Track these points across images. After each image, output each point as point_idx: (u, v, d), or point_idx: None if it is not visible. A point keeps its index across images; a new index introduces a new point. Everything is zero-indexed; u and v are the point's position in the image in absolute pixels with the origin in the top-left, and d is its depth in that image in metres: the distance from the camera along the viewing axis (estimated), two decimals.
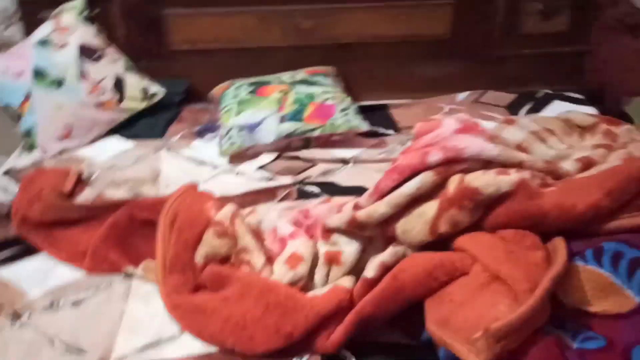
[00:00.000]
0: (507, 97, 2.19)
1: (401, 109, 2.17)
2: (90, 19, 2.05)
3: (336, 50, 2.17)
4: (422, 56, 2.21)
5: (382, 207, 1.13)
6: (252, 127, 1.84)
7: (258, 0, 2.10)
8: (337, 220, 1.21)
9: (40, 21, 2.03)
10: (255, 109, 1.88)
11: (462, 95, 2.22)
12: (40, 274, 1.34)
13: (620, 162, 1.13)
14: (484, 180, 1.05)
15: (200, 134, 1.99)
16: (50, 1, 2.03)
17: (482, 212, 1.08)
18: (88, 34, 2.00)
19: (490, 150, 1.09)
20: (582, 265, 0.97)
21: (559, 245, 0.99)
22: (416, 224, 1.11)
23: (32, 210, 1.46)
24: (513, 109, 2.12)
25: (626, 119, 2.33)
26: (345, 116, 1.88)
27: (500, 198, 1.05)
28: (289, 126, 1.84)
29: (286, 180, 1.71)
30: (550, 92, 2.20)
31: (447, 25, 2.14)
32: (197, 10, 2.13)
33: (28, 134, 1.90)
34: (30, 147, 1.90)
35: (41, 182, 1.56)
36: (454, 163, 1.09)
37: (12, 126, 1.96)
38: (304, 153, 1.84)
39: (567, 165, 1.28)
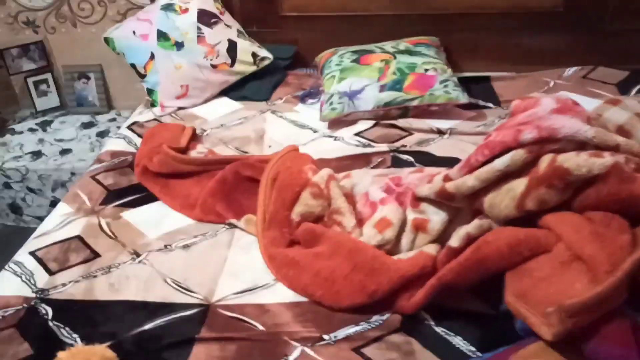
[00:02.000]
0: (619, 75, 2.08)
1: (504, 82, 2.14)
2: None
3: (440, 20, 2.17)
4: (530, 28, 2.15)
5: (471, 181, 1.15)
6: (352, 95, 1.89)
7: None
8: (426, 189, 1.25)
9: None
10: (356, 77, 1.92)
11: (570, 70, 2.14)
12: (156, 219, 1.49)
13: None
14: (577, 162, 1.04)
15: (303, 98, 2.07)
16: None
17: (572, 192, 1.08)
18: (207, 1, 2.12)
19: (586, 131, 1.07)
20: None
21: None
22: (504, 199, 1.12)
23: (152, 162, 1.62)
24: (624, 87, 2.02)
25: None
26: (445, 87, 1.88)
27: (591, 180, 1.04)
28: (389, 95, 1.87)
29: (382, 147, 1.75)
30: None
31: None
32: None
33: (150, 91, 2.07)
34: (152, 104, 2.06)
35: (160, 136, 1.72)
36: (548, 142, 1.09)
37: (137, 83, 2.14)
38: (401, 122, 1.87)
39: None
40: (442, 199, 1.22)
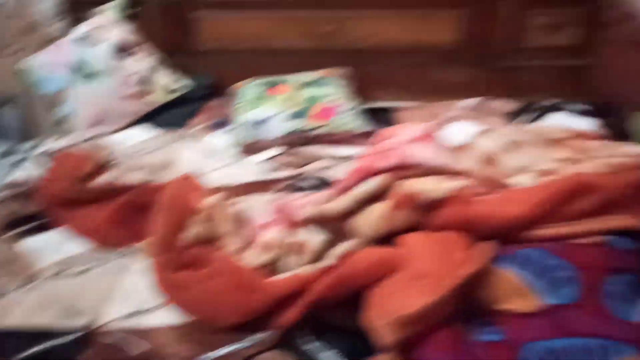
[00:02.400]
0: (510, 106, 2.24)
1: (408, 112, 2.26)
2: (129, 17, 2.24)
3: (353, 54, 2.28)
4: (433, 62, 2.29)
5: (342, 204, 1.25)
6: (260, 123, 1.98)
7: (281, 4, 2.23)
8: (307, 212, 1.34)
9: (85, 18, 2.23)
10: (265, 106, 2.02)
11: (467, 102, 2.28)
12: (56, 245, 1.53)
13: (568, 176, 1.20)
14: (425, 186, 1.15)
15: (216, 126, 2.15)
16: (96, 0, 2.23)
17: (425, 213, 1.18)
18: (125, 31, 2.19)
19: (436, 159, 1.18)
20: (501, 268, 1.06)
21: (484, 249, 1.08)
22: (367, 221, 1.22)
23: (56, 188, 1.66)
24: (514, 117, 2.17)
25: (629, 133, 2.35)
26: (348, 117, 1.99)
27: (440, 202, 1.15)
28: (294, 124, 1.97)
29: (285, 173, 1.84)
30: (554, 102, 2.23)
31: (456, 34, 2.21)
32: (225, 12, 2.29)
33: (64, 120, 2.11)
34: (66, 132, 2.11)
35: (66, 164, 1.76)
36: (404, 169, 1.20)
37: (51, 113, 2.18)
38: (307, 149, 1.96)
39: (526, 177, 1.36)
40: (320, 221, 1.31)
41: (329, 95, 2.05)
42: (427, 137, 1.26)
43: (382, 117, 2.21)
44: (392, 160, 1.19)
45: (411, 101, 2.31)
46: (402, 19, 2.21)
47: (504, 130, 1.63)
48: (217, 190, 1.54)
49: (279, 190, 1.75)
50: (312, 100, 2.03)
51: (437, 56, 2.27)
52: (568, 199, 1.11)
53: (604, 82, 2.46)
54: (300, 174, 1.85)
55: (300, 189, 1.74)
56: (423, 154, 1.19)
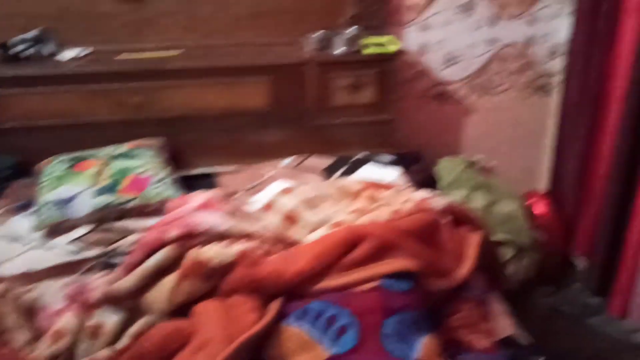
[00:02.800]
0: (326, 161, 2.36)
1: (228, 176, 2.29)
2: None
3: (166, 123, 2.28)
4: (247, 126, 2.35)
5: (129, 281, 1.22)
6: (66, 202, 1.89)
7: (87, 78, 2.18)
8: (97, 294, 1.28)
9: None
10: (70, 183, 1.94)
11: (286, 161, 2.37)
12: None
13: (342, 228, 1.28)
14: (212, 253, 1.16)
15: (20, 209, 2.01)
16: None
17: (217, 280, 1.19)
18: None
19: (221, 225, 1.20)
20: (287, 324, 1.09)
21: (271, 308, 1.11)
22: (159, 295, 1.20)
23: None
24: (329, 172, 2.29)
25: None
26: (159, 188, 1.96)
27: (227, 267, 1.16)
28: (103, 199, 1.91)
29: (93, 252, 1.76)
30: (364, 155, 2.39)
31: (268, 98, 2.30)
32: (27, 89, 2.18)
33: None
34: None
35: None
36: (191, 238, 1.20)
37: None
38: (119, 224, 1.90)
39: (322, 231, 1.43)
40: (111, 302, 1.26)
41: (140, 167, 2.01)
42: (212, 204, 1.28)
43: (202, 184, 2.22)
44: (178, 230, 1.19)
45: (231, 165, 2.34)
46: (215, 87, 2.26)
47: (306, 188, 1.71)
48: (34, 275, 1.43)
49: (88, 271, 1.66)
50: (122, 173, 1.98)
51: (252, 120, 2.34)
52: (343, 250, 1.17)
53: (406, 134, 2.69)
54: (112, 251, 1.78)
55: (113, 267, 1.67)
56: (209, 220, 1.21)
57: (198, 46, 2.36)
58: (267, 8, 2.37)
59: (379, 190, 1.70)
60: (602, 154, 2.41)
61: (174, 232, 1.19)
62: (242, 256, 1.15)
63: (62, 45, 2.28)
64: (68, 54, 2.24)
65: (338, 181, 1.79)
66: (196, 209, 1.25)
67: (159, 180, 1.99)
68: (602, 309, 2.42)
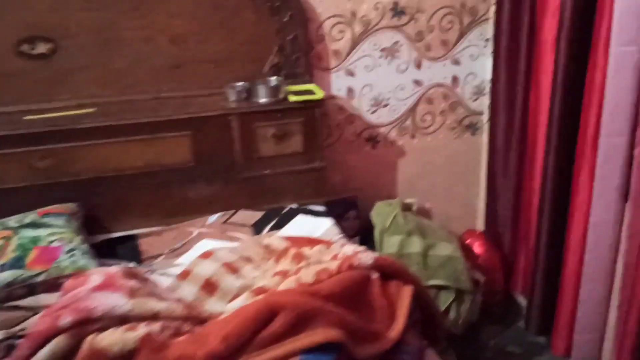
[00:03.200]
0: (255, 216, 2.27)
1: (151, 238, 2.17)
2: None
3: (81, 185, 2.14)
4: (171, 183, 2.24)
5: None
6: None
7: None
8: None
9: None
10: None
11: (213, 217, 2.26)
12: None
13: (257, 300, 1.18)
14: (110, 340, 1.05)
15: None
16: None
17: None
18: None
19: (122, 306, 1.09)
20: None
21: None
22: None
23: None
24: (259, 226, 2.20)
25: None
26: (72, 257, 1.82)
27: (128, 355, 1.04)
28: (9, 275, 1.75)
29: None
30: (295, 206, 2.31)
31: (190, 152, 2.20)
32: None
33: None
34: None
35: None
36: (87, 323, 1.08)
37: None
38: (27, 301, 1.74)
39: (242, 298, 1.33)
40: None
41: (50, 236, 1.87)
42: (112, 283, 1.16)
43: (124, 248, 2.09)
44: (72, 315, 1.07)
45: (155, 226, 2.22)
46: (134, 144, 2.14)
47: (226, 250, 1.61)
48: None
49: None
50: (30, 243, 1.83)
51: (177, 176, 2.23)
52: (258, 325, 1.08)
53: (341, 180, 2.64)
54: (19, 331, 1.61)
55: None
56: (108, 302, 1.09)
57: (115, 102, 2.26)
58: (187, 59, 2.30)
59: (306, 247, 1.62)
60: (533, 190, 2.41)
61: (68, 319, 1.07)
62: (146, 340, 1.03)
63: None
64: None
65: (264, 239, 1.70)
66: (94, 290, 1.13)
67: (71, 250, 1.85)
68: (547, 348, 2.39)
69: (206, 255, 1.53)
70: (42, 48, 2.15)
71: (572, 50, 1.99)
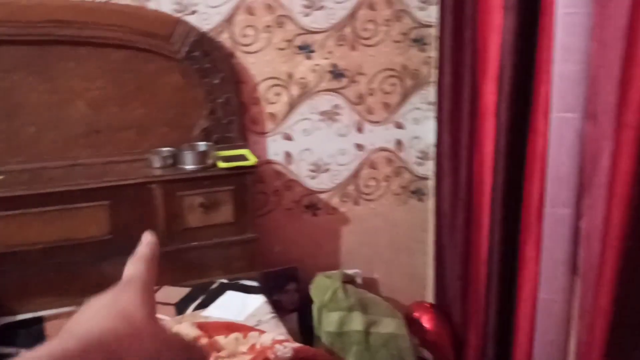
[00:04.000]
0: (180, 292, 2.08)
1: (60, 320, 1.94)
2: None
3: None
4: (86, 258, 2.04)
5: None
6: None
7: None
8: None
9: None
10: None
11: None
12: None
13: None
14: None
15: None
16: None
17: None
18: None
19: None
20: None
21: None
22: None
23: None
24: (182, 305, 2.01)
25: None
26: None
27: None
28: None
29: None
30: (225, 281, 2.14)
31: (105, 226, 2.02)
32: None
33: None
34: None
35: None
36: None
37: None
38: None
39: None
40: None
41: None
42: None
43: (28, 332, 1.87)
44: None
45: (65, 306, 2.00)
46: (40, 216, 1.95)
47: None
48: None
49: None
50: None
51: (91, 251, 2.03)
52: None
53: (280, 250, 2.48)
54: None
55: None
56: None
57: (26, 169, 2.07)
58: (106, 124, 2.14)
59: (221, 335, 1.44)
60: (480, 261, 2.29)
61: None
62: None
63: None
64: None
65: (173, 325, 1.51)
66: None
67: None
68: None
69: None
70: None
71: (512, 115, 1.92)
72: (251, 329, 1.55)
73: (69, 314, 1.74)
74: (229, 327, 1.52)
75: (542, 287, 1.90)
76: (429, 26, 2.46)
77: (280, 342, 1.39)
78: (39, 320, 1.94)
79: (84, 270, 2.05)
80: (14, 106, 2.03)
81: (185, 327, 1.50)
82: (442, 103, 2.36)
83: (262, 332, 1.50)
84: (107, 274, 2.07)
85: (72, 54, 2.05)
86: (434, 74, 2.48)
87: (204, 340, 1.40)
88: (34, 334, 1.88)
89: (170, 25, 2.10)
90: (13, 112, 2.03)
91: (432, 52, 2.46)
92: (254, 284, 2.14)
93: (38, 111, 2.06)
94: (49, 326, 1.91)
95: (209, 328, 1.49)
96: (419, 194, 2.68)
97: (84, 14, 2.01)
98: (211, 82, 2.20)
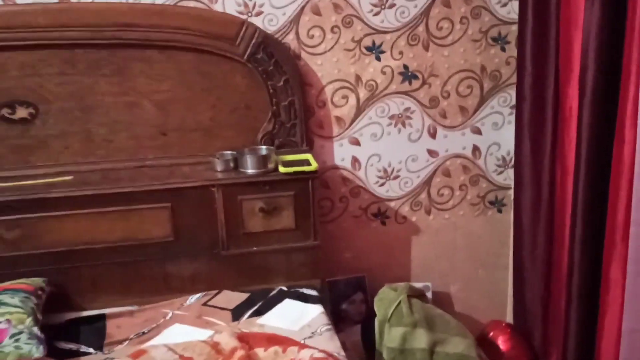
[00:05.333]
0: (238, 298, 2.09)
1: (121, 319, 2.01)
2: None
3: (50, 259, 2.03)
4: (148, 258, 2.09)
5: None
6: None
7: None
8: None
9: None
10: None
11: (192, 298, 2.10)
12: None
13: None
14: None
15: None
16: None
17: None
18: None
19: None
20: None
21: None
22: None
23: None
24: (239, 311, 2.02)
25: None
26: (16, 342, 1.68)
27: None
28: None
29: None
30: (285, 289, 2.12)
31: (167, 227, 2.06)
32: None
33: None
34: None
35: None
36: None
37: None
38: None
39: None
40: None
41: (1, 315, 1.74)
42: None
43: (90, 329, 1.95)
44: None
45: (131, 304, 2.07)
46: (108, 216, 2.03)
47: (163, 349, 1.42)
48: None
49: None
50: None
51: (154, 251, 2.08)
52: None
53: (346, 259, 2.43)
54: None
55: None
56: None
57: (95, 170, 2.16)
58: (174, 126, 2.19)
59: (261, 348, 1.41)
60: (561, 279, 2.11)
61: None
62: None
63: None
64: None
65: (215, 334, 1.50)
66: None
67: (18, 334, 1.71)
68: None
69: (137, 354, 1.34)
70: (22, 112, 2.10)
71: (595, 121, 1.74)
72: (293, 342, 1.51)
73: (130, 313, 1.80)
74: (270, 340, 1.49)
75: (627, 315, 1.70)
76: (511, 23, 2.31)
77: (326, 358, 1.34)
78: (101, 318, 2.02)
79: (147, 271, 2.11)
80: (87, 108, 2.12)
81: (224, 337, 1.48)
82: (522, 107, 2.20)
83: (303, 346, 1.45)
84: (171, 275, 2.12)
85: (140, 57, 2.12)
86: (516, 75, 2.32)
87: (242, 352, 1.38)
88: (95, 331, 1.95)
89: (235, 27, 2.12)
90: (86, 114, 2.13)
91: (514, 52, 2.31)
92: (314, 293, 2.10)
93: (109, 113, 2.14)
94: (110, 324, 1.98)
95: (249, 339, 1.46)
96: (498, 204, 2.53)
97: (151, 17, 2.07)
98: (275, 85, 2.19)
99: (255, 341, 1.46)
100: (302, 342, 1.65)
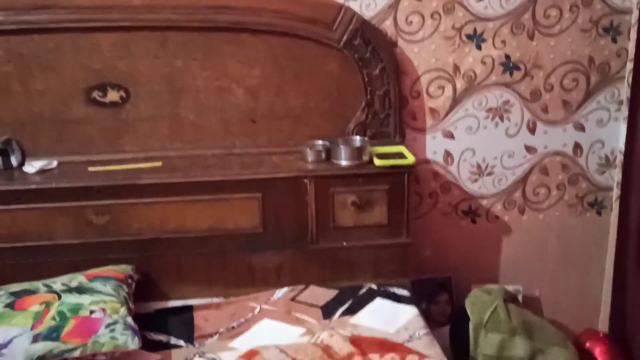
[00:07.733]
0: (327, 295, 2.05)
1: (208, 311, 2.00)
2: None
3: (137, 246, 2.03)
4: (235, 249, 2.07)
5: None
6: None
7: (47, 195, 1.96)
8: None
9: None
10: (6, 325, 1.67)
11: (280, 292, 2.07)
12: None
13: None
14: None
15: None
16: None
17: None
18: None
19: None
20: None
21: None
22: None
23: None
24: (330, 308, 1.98)
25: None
26: (112, 332, 1.68)
27: None
28: (43, 347, 1.63)
29: None
30: (374, 287, 2.07)
31: (257, 218, 2.03)
32: None
33: None
34: None
35: None
36: None
37: None
38: None
39: None
40: None
41: (94, 304, 1.74)
42: None
43: (177, 320, 1.94)
44: None
45: (213, 297, 2.05)
46: (196, 204, 2.01)
47: (275, 351, 1.39)
48: None
49: None
50: (71, 311, 1.71)
51: (241, 242, 2.06)
52: None
53: (431, 257, 2.37)
54: None
55: None
56: None
57: (184, 156, 2.15)
58: (263, 112, 2.16)
59: (376, 354, 1.37)
60: None
61: None
62: None
63: (29, 156, 2.10)
64: (34, 166, 2.05)
65: (326, 337, 1.46)
66: None
67: (113, 323, 1.71)
68: None
69: (249, 355, 1.31)
70: (114, 95, 2.10)
71: None
72: (409, 350, 1.46)
73: (217, 305, 1.77)
74: (383, 346, 1.44)
75: None
76: (625, 12, 2.19)
77: None
78: (189, 309, 2.01)
79: (234, 261, 2.09)
80: (177, 91, 2.11)
81: (337, 340, 1.44)
82: (636, 103, 2.09)
83: (422, 356, 1.40)
84: (256, 267, 2.09)
85: (233, 40, 2.08)
86: (628, 68, 2.20)
87: (358, 359, 1.33)
88: (184, 322, 1.94)
89: (333, 12, 2.07)
90: (175, 97, 2.11)
91: (627, 43, 2.19)
92: (406, 293, 2.05)
93: (198, 97, 2.12)
94: (197, 316, 1.97)
95: (362, 344, 1.42)
96: (598, 206, 2.42)
97: (246, 0, 2.03)
98: (371, 73, 2.13)
99: (368, 346, 1.42)
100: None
